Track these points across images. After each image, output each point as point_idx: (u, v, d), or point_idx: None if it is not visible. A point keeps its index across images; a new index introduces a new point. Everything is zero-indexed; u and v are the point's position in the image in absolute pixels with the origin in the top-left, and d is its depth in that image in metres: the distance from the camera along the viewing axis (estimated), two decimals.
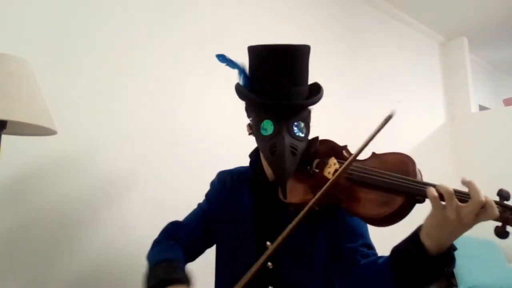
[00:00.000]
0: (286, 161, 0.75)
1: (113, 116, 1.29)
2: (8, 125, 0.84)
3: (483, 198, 0.51)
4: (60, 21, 1.20)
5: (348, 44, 2.39)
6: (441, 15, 2.96)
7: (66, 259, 1.13)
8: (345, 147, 0.81)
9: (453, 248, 0.58)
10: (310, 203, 0.64)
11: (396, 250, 0.62)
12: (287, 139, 0.76)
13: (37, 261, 1.07)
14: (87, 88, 1.24)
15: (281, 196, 0.78)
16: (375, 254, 0.76)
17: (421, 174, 0.64)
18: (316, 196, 0.64)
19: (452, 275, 2.59)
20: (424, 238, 0.57)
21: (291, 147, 0.76)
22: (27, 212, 1.07)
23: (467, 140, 3.15)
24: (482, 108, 3.80)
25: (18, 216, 1.06)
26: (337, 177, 0.65)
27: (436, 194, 0.53)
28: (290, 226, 0.62)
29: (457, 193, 0.53)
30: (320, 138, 0.86)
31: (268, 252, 0.61)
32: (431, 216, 0.56)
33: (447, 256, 0.57)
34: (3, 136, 0.85)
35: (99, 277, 1.18)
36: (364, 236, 0.79)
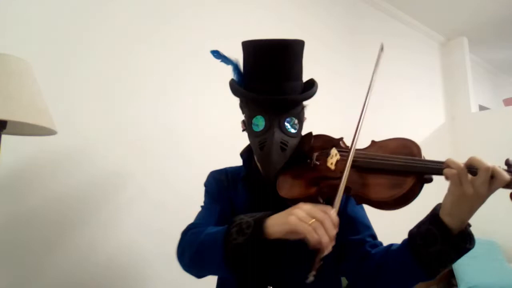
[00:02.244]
0: (273, 155, 0.75)
1: (113, 116, 1.29)
2: (8, 125, 0.84)
3: (489, 165, 0.53)
4: (60, 22, 1.20)
5: (348, 44, 2.39)
6: (441, 15, 2.96)
7: (66, 258, 1.13)
8: (341, 139, 0.81)
9: (468, 225, 0.59)
10: (342, 185, 0.62)
11: (416, 232, 0.62)
12: (277, 135, 0.76)
13: (37, 261, 1.07)
14: (87, 88, 1.24)
15: (279, 191, 0.77)
16: (381, 244, 0.76)
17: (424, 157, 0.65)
18: (344, 177, 0.63)
19: (452, 275, 2.59)
20: (445, 217, 0.58)
21: (281, 142, 0.76)
22: (26, 211, 1.07)
23: (467, 140, 3.15)
24: (482, 108, 3.80)
25: (17, 215, 1.06)
26: (346, 165, 0.65)
27: (454, 171, 0.55)
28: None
29: (467, 167, 0.55)
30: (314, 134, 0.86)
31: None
32: (450, 194, 0.57)
33: (466, 232, 0.58)
34: (3, 136, 0.85)
35: (98, 277, 1.18)
36: (368, 227, 0.79)
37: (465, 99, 3.25)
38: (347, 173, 0.64)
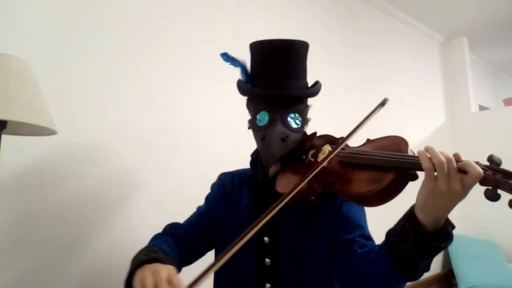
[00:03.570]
0: (273, 144, 0.77)
1: (113, 116, 1.29)
2: (8, 125, 0.84)
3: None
4: (60, 22, 1.20)
5: (348, 44, 2.39)
6: (441, 15, 2.96)
7: (67, 259, 1.13)
8: (341, 138, 0.82)
9: (450, 225, 0.57)
10: (302, 183, 0.63)
11: (391, 230, 0.61)
12: (279, 128, 0.79)
13: (37, 261, 1.07)
14: (87, 88, 1.24)
15: (276, 187, 0.78)
16: (373, 244, 0.75)
17: (413, 154, 0.64)
18: (306, 177, 0.63)
19: (452, 275, 2.59)
20: (419, 213, 0.56)
21: (283, 135, 0.78)
22: (27, 212, 1.07)
23: (467, 140, 3.15)
24: (482, 108, 3.80)
25: (18, 216, 1.06)
26: (325, 159, 0.65)
27: (430, 165, 0.53)
28: (277, 203, 0.59)
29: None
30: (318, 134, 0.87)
31: (255, 225, 0.57)
32: (422, 187, 0.56)
33: (444, 231, 0.56)
34: (3, 136, 0.85)
35: (100, 278, 1.18)
36: (361, 226, 0.78)
37: (465, 99, 3.25)
38: (321, 166, 0.64)
